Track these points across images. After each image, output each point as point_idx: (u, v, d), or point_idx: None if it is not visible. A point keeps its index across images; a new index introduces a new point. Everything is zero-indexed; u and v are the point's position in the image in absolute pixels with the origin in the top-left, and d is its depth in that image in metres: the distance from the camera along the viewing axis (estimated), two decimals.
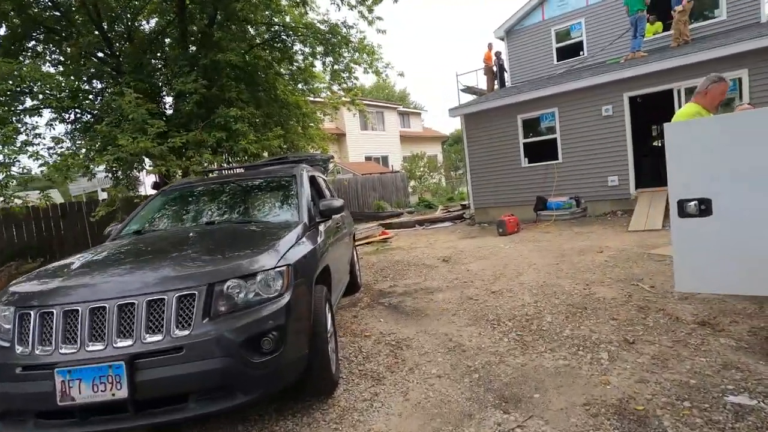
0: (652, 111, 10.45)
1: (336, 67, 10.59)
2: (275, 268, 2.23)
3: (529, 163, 10.29)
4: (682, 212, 2.36)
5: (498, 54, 14.13)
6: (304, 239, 2.78)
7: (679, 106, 8.30)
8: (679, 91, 8.27)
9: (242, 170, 4.86)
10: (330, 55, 9.82)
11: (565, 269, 5.24)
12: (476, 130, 10.96)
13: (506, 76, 14.14)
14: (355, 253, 5.58)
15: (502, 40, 14.04)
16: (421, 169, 22.93)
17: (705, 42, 8.89)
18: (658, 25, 11.33)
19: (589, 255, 5.89)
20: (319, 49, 10.25)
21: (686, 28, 10.02)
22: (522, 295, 4.37)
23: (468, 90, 14.93)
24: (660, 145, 12.95)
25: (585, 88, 9.21)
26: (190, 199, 3.63)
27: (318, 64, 11.05)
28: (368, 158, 24.31)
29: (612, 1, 11.71)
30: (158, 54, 9.55)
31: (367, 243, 10.09)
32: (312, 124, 12.02)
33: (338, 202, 3.40)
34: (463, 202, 15.64)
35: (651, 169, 9.75)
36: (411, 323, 3.95)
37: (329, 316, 2.83)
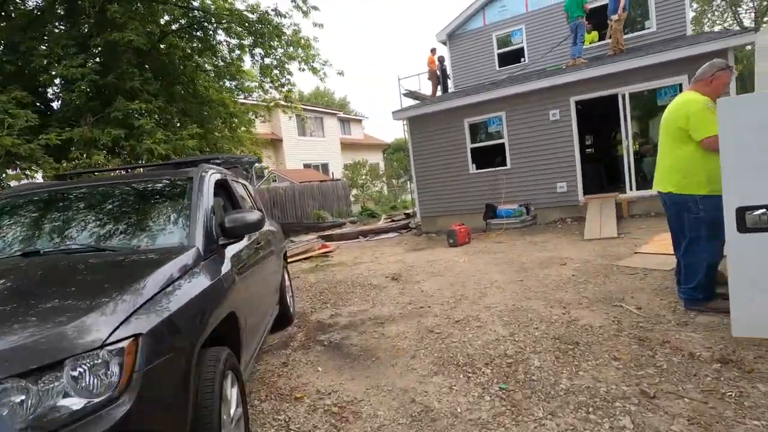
0: (596, 116, 10.45)
1: (267, 60, 9.46)
2: (104, 346, 1.18)
3: (477, 169, 9.81)
4: (743, 225, 1.66)
5: (441, 59, 13.75)
6: (188, 277, 1.74)
7: (624, 111, 8.22)
8: (623, 96, 8.17)
9: (129, 173, 3.63)
10: (259, 46, 8.67)
11: (533, 287, 4.58)
12: (422, 134, 10.33)
13: (450, 83, 13.80)
14: (286, 276, 4.53)
15: (445, 44, 13.69)
16: (363, 177, 22.13)
17: (641, 50, 8.97)
18: (594, 34, 11.51)
19: (552, 268, 5.32)
20: (248, 41, 9.08)
21: (622, 37, 10.14)
22: (493, 324, 3.59)
23: (411, 94, 14.37)
24: (600, 150, 13.16)
25: (532, 91, 8.90)
26: (22, 212, 2.40)
27: (248, 59, 9.85)
28: (307, 165, 23.06)
29: (552, 8, 11.74)
30: (44, 36, 7.84)
31: (306, 258, 8.98)
32: (243, 127, 10.74)
33: (253, 216, 2.38)
34: (407, 211, 15.00)
35: (596, 175, 9.66)
36: (359, 373, 2.99)
37: (233, 394, 1.81)
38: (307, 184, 16.83)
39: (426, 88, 15.12)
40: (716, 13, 27.22)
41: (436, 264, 6.55)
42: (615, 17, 9.97)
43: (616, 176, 9.41)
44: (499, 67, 12.79)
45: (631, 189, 8.31)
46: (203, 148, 7.55)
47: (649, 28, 10.90)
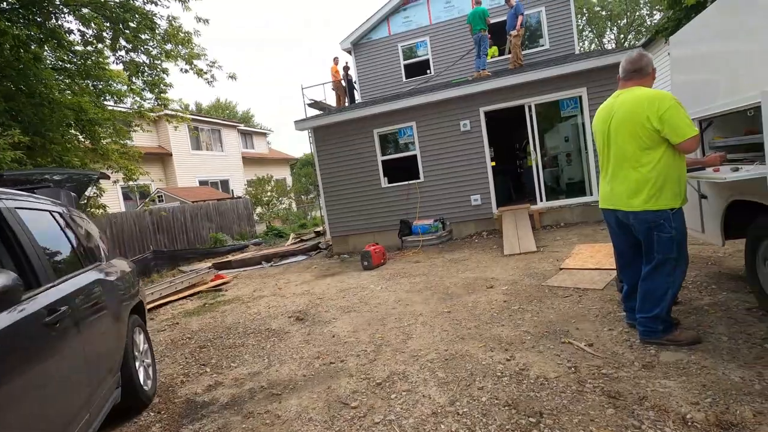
0: (506, 127, 10.50)
1: (136, 57, 7.83)
2: None
3: (389, 183, 9.15)
4: None
5: (347, 69, 13.07)
6: None
7: (531, 122, 8.19)
8: (530, 107, 8.15)
9: None
10: (121, 36, 7.06)
11: (464, 320, 3.87)
12: (328, 146, 9.41)
13: (357, 94, 13.17)
14: (140, 337, 3.23)
15: (350, 53, 13.05)
16: (269, 193, 20.46)
17: (539, 65, 9.16)
18: (494, 49, 11.73)
19: (480, 292, 4.71)
20: (108, 33, 7.40)
21: (520, 52, 10.38)
22: (425, 386, 2.74)
23: (316, 105, 13.44)
24: (510, 161, 13.46)
25: (443, 101, 8.54)
26: None
27: (114, 56, 8.09)
28: (204, 182, 20.73)
29: (454, 21, 11.76)
30: None
31: (193, 294, 7.43)
32: (110, 138, 8.86)
33: None
34: (318, 229, 13.91)
35: (507, 186, 9.61)
36: None
37: None
38: (202, 203, 14.85)
39: (331, 98, 14.34)
40: (585, 42, 30.99)
41: (350, 294, 5.62)
42: (514, 33, 10.18)
43: (527, 187, 9.44)
44: (406, 78, 12.50)
45: (541, 200, 8.28)
46: (35, 162, 5.72)
47: (543, 46, 11.41)
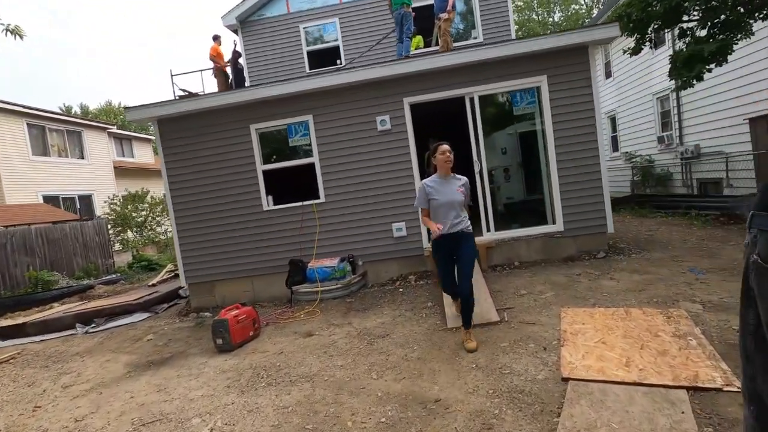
0: (440, 128, 8.15)
1: None
2: None
3: (275, 204, 6.23)
4: None
5: (237, 54, 9.97)
6: None
7: (473, 120, 5.88)
8: (472, 99, 5.85)
9: None
10: None
11: None
12: (183, 147, 6.25)
13: (248, 85, 10.11)
14: None
15: (236, 32, 10.00)
16: (143, 213, 16.17)
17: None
18: (419, 39, 9.53)
19: None
20: None
21: (451, 40, 8.23)
22: None
23: (190, 97, 10.09)
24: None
25: (352, 86, 5.92)
26: None
27: None
28: (52, 198, 15.82)
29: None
30: None
31: None
32: None
33: None
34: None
35: None
36: None
37: None
38: (15, 228, 10.46)
39: (213, 88, 11.07)
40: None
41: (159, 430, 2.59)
42: (444, 16, 7.99)
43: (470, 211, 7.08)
44: (310, 68, 9.78)
45: (488, 230, 5.95)
46: None
47: (475, 38, 9.46)
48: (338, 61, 9.72)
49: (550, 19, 27.21)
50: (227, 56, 9.88)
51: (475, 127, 5.86)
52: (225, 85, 9.90)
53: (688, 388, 2.37)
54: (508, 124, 6.30)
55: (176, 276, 9.44)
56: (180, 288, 7.55)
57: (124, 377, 4.05)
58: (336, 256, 5.83)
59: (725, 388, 2.33)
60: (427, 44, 9.47)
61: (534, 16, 27.46)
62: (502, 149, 6.80)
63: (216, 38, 9.84)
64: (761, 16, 6.12)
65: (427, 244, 5.89)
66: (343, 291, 5.60)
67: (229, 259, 6.22)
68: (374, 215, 5.99)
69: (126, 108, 6.07)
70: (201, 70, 10.44)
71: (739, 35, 6.16)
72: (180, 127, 6.22)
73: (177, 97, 9.74)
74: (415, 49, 9.22)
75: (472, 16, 9.59)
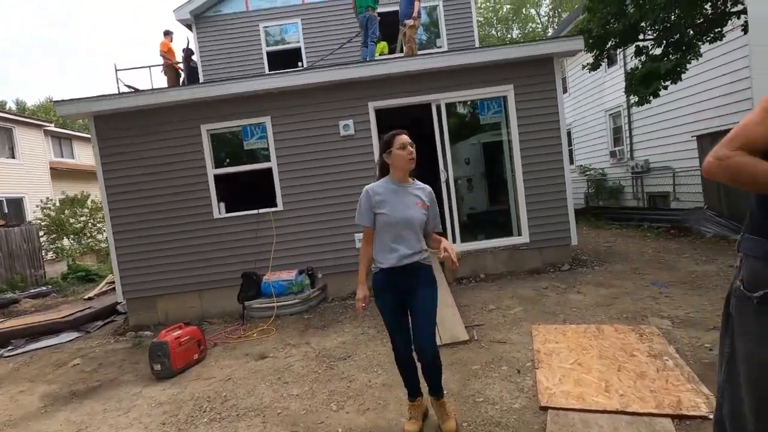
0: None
1: None
2: None
3: (227, 211, 5.75)
4: None
5: (190, 52, 9.36)
6: None
7: (440, 128, 5.71)
8: (439, 107, 5.68)
9: None
10: None
11: None
12: (123, 147, 5.64)
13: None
14: None
15: (190, 27, 9.40)
16: (82, 219, 14.85)
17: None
18: (383, 45, 9.36)
19: None
20: None
21: (416, 47, 8.11)
22: None
23: (136, 93, 9.35)
24: None
25: (313, 88, 5.58)
26: None
27: None
28: None
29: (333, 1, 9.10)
30: None
31: None
32: None
33: None
34: None
35: None
36: None
37: None
38: None
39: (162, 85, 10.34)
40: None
41: None
42: (409, 22, 7.82)
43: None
44: (270, 70, 9.34)
45: (454, 240, 5.77)
46: None
47: (440, 47, 9.41)
48: (300, 64, 9.36)
49: (509, 36, 28.11)
50: (179, 53, 9.27)
51: (442, 135, 5.69)
52: (175, 82, 9.25)
53: (672, 417, 2.22)
54: (473, 134, 6.18)
55: (103, 293, 8.61)
56: (118, 303, 6.84)
57: (37, 413, 3.45)
58: (294, 269, 5.42)
59: (710, 416, 2.19)
60: (391, 51, 9.31)
61: (493, 32, 28.26)
62: (465, 159, 6.68)
63: (167, 33, 9.20)
64: (708, 39, 6.41)
65: None
66: (301, 306, 5.20)
67: (174, 272, 5.65)
68: (336, 224, 5.65)
69: (56, 102, 5.40)
70: (149, 66, 9.72)
71: (689, 55, 6.43)
72: (120, 126, 5.61)
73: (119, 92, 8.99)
74: (380, 54, 9.03)
75: (436, 27, 9.56)
